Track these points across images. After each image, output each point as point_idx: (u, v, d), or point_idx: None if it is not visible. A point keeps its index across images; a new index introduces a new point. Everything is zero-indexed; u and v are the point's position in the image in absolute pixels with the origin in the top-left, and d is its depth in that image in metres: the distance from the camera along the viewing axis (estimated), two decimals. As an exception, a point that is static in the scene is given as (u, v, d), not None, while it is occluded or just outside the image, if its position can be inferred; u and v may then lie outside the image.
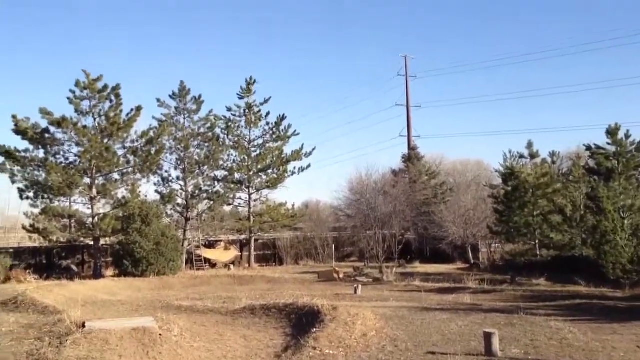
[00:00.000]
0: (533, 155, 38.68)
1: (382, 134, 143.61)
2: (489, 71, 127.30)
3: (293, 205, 46.02)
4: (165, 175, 38.86)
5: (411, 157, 54.12)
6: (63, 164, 33.03)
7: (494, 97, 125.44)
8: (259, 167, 43.86)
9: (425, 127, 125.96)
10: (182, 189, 39.11)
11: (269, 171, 44.25)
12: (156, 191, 38.39)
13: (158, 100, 38.81)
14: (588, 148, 34.33)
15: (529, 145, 38.87)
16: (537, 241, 34.69)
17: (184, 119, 39.27)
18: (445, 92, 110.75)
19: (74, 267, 35.17)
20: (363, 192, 46.51)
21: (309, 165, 44.59)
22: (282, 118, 44.25)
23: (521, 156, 38.75)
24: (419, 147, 56.63)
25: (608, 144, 32.70)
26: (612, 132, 32.41)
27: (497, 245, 42.12)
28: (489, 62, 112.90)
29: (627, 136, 32.23)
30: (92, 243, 34.03)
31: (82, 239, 34.14)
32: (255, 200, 44.64)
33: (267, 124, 44.25)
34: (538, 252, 34.37)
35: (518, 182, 35.70)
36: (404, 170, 53.05)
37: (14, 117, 32.14)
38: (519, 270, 31.30)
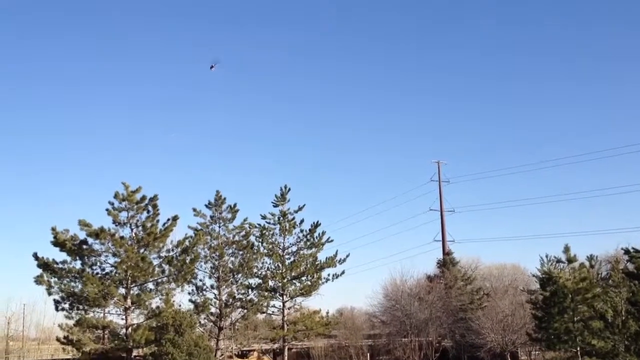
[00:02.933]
0: (570, 260, 37.85)
1: (416, 239, 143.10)
2: (523, 175, 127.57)
3: (327, 313, 45.63)
4: (200, 283, 39.14)
5: (446, 262, 53.57)
6: (99, 275, 33.40)
7: (529, 201, 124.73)
8: (293, 274, 43.85)
9: (460, 231, 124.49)
10: (215, 298, 39.15)
11: (303, 278, 44.16)
12: (190, 300, 38.50)
13: (194, 209, 39.66)
14: (626, 252, 33.68)
15: (566, 249, 38.11)
16: (578, 348, 33.47)
17: (219, 227, 39.91)
18: (479, 197, 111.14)
19: (106, 380, 34.78)
20: (398, 298, 45.96)
21: (343, 272, 44.52)
22: (316, 225, 44.65)
23: (558, 260, 37.97)
24: (454, 252, 56.15)
25: (646, 247, 32.09)
26: (650, 235, 31.86)
27: (537, 352, 40.71)
28: (524, 167, 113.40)
29: (667, 238, 31.62)
30: (125, 355, 33.79)
31: (115, 350, 33.96)
32: (289, 308, 44.36)
33: (301, 231, 44.72)
34: (580, 360, 33.07)
35: (556, 287, 34.86)
36: (439, 276, 52.42)
37: (53, 229, 32.84)
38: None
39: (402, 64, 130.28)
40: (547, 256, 38.45)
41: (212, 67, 44.06)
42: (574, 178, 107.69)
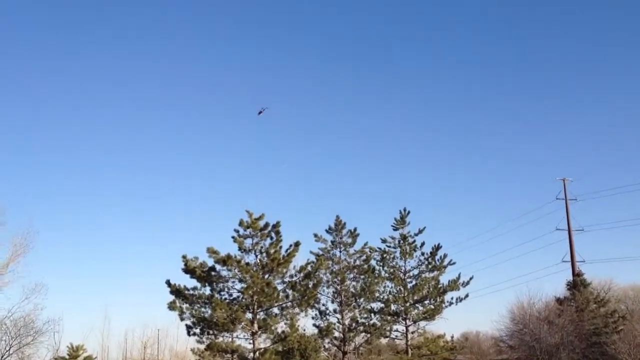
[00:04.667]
0: None
1: (542, 261, 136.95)
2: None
3: (452, 337, 44.80)
4: (323, 308, 39.77)
5: (576, 283, 51.12)
6: (227, 300, 34.70)
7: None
8: (415, 298, 43.53)
9: (590, 251, 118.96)
10: (339, 322, 39.57)
11: (426, 302, 43.74)
12: (314, 324, 39.18)
13: (315, 235, 40.50)
14: None
15: None
16: None
17: (340, 252, 40.48)
18: (609, 214, 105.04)
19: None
20: (526, 322, 44.46)
21: (467, 295, 43.64)
22: (438, 248, 44.19)
23: (701, 279, 35.56)
24: (584, 273, 53.52)
25: None
26: None
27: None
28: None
29: None
30: (254, 378, 34.76)
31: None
32: (412, 332, 43.99)
33: (422, 254, 44.33)
34: None
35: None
36: (569, 298, 50.08)
37: (183, 257, 34.51)
38: None
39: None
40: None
41: (260, 112, 43.06)
42: None
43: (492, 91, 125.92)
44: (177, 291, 34.42)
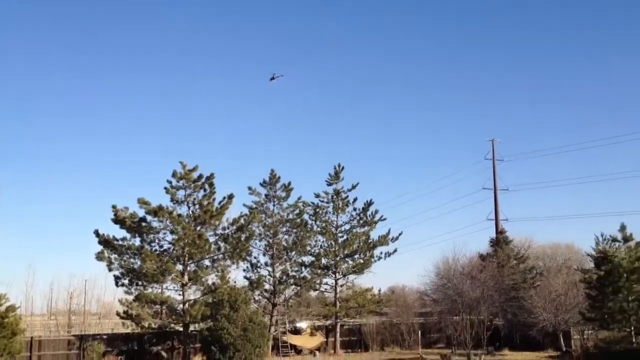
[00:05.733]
0: (627, 239, 37.24)
1: (469, 218, 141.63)
2: (578, 154, 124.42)
3: (379, 290, 46.29)
4: (254, 261, 40.16)
5: (499, 240, 53.18)
6: (157, 252, 34.59)
7: (583, 179, 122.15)
8: (346, 252, 44.44)
9: (513, 210, 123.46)
10: (270, 275, 40.09)
11: (356, 256, 44.76)
12: (245, 277, 39.55)
13: (249, 188, 40.44)
14: (684, 230, 33.02)
15: (622, 228, 37.52)
16: (632, 328, 33.15)
17: (274, 206, 40.75)
18: (533, 176, 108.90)
19: (164, 354, 35.86)
20: (450, 277, 45.92)
21: (395, 250, 44.87)
22: (369, 204, 45.02)
23: (614, 239, 37.41)
24: (507, 231, 55.66)
25: None
26: None
27: (590, 332, 40.35)
28: (578, 145, 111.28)
29: None
30: (182, 329, 34.94)
31: (172, 325, 35.21)
32: (341, 286, 45.06)
33: (355, 209, 45.14)
34: (634, 340, 32.77)
35: (611, 266, 34.48)
36: (491, 255, 52.07)
37: (113, 207, 34.10)
38: (615, 358, 29.88)
39: (445, 38, 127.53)
40: (602, 235, 37.96)
41: (272, 78, 43.78)
42: (630, 156, 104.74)
43: (428, 41, 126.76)
44: (105, 241, 34.10)
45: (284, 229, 40.64)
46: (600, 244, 37.82)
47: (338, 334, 43.38)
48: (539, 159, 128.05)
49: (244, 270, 39.85)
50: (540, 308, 40.13)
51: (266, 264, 40.36)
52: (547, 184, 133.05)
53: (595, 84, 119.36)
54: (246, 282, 38.70)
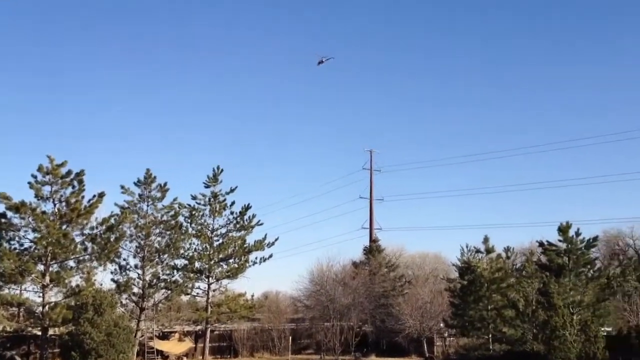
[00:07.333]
0: (489, 250, 39.40)
1: (345, 226, 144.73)
2: (451, 168, 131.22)
3: (252, 296, 45.90)
4: (123, 263, 38.53)
5: (372, 249, 54.59)
6: (17, 250, 32.55)
7: (453, 193, 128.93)
8: (221, 256, 43.90)
9: (388, 220, 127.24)
10: (139, 278, 38.70)
11: (231, 261, 44.30)
12: (112, 279, 37.84)
13: (122, 187, 38.81)
14: (540, 244, 35.29)
15: (485, 240, 39.67)
16: (490, 335, 34.99)
17: (148, 206, 39.34)
18: (408, 187, 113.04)
19: (18, 359, 33.99)
20: (323, 283, 46.57)
21: (270, 255, 44.78)
22: (247, 208, 44.72)
23: (477, 251, 39.44)
24: (380, 240, 57.29)
25: (560, 241, 33.74)
26: (563, 230, 33.48)
27: (452, 338, 42.22)
28: (452, 159, 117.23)
29: (578, 234, 33.39)
30: (40, 333, 33.04)
31: (29, 328, 33.25)
32: (214, 290, 44.40)
33: (232, 213, 44.70)
34: (491, 347, 34.61)
35: (474, 276, 36.35)
36: (364, 262, 53.38)
37: (-30, 201, 31.89)
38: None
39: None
40: (467, 246, 39.93)
41: (320, 62, 44.24)
42: (500, 172, 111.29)
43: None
44: (-42, 237, 31.77)
45: (157, 231, 39.39)
46: (465, 254, 39.74)
47: (208, 340, 42.71)
48: (415, 171, 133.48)
49: (111, 272, 38.17)
50: (407, 315, 41.52)
51: (136, 267, 38.91)
52: (420, 195, 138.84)
53: (469, 102, 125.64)
54: (113, 285, 37.17)
